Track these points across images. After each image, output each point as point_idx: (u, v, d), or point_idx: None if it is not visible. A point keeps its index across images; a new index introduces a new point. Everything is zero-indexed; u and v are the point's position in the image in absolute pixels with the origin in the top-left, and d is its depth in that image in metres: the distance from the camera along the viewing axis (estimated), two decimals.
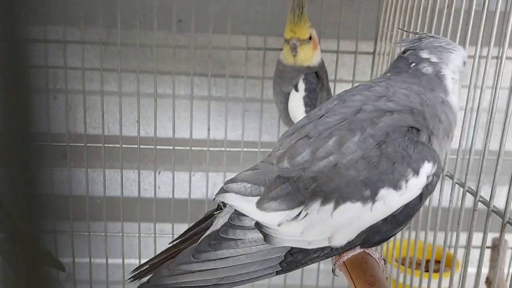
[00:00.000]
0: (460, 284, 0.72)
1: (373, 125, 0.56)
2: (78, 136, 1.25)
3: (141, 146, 1.18)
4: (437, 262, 1.13)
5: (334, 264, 0.69)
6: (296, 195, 0.57)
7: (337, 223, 0.56)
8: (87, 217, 1.19)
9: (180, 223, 1.25)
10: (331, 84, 1.15)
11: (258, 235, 0.58)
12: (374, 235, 0.59)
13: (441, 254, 0.82)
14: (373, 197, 0.55)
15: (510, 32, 0.64)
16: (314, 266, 1.33)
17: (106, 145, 1.17)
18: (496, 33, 0.68)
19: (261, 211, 0.58)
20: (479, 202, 0.70)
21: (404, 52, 0.66)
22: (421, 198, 0.57)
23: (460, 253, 0.85)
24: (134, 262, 1.27)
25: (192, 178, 1.28)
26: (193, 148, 1.20)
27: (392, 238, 1.07)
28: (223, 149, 1.23)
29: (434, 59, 0.63)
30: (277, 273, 0.60)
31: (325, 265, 1.35)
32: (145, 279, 0.63)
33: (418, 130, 0.58)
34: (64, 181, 1.19)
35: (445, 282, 0.80)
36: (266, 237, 0.58)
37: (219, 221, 0.61)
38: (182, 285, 0.59)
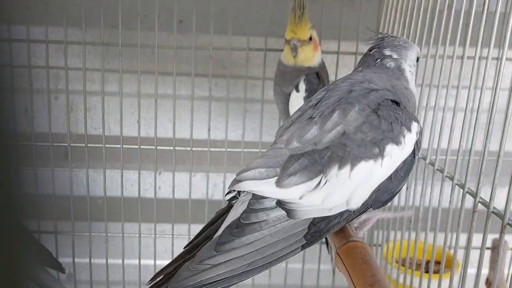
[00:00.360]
0: (460, 285, 0.72)
1: (366, 98, 0.64)
2: (79, 137, 1.25)
3: (141, 147, 1.18)
4: (437, 263, 1.13)
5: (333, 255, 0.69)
6: (313, 166, 0.60)
7: (354, 184, 0.61)
8: (88, 218, 1.20)
9: (180, 223, 1.25)
10: None
11: (281, 212, 0.60)
12: (383, 193, 0.64)
13: (441, 255, 0.82)
14: (381, 154, 0.62)
15: (510, 33, 0.64)
16: (314, 266, 1.33)
17: (107, 145, 1.17)
18: (496, 34, 0.68)
19: (282, 189, 0.60)
20: (479, 203, 0.70)
21: (370, 50, 0.75)
22: (414, 154, 0.65)
23: (460, 254, 0.85)
24: (134, 262, 1.27)
25: (192, 178, 1.28)
26: (193, 148, 1.21)
27: (392, 239, 1.08)
28: (223, 149, 1.23)
29: (395, 55, 0.73)
30: (302, 247, 0.61)
31: (325, 265, 1.35)
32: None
33: (398, 103, 0.67)
34: (66, 182, 1.20)
35: (445, 283, 0.80)
36: (290, 213, 0.60)
37: (238, 210, 0.62)
38: (207, 281, 0.58)
